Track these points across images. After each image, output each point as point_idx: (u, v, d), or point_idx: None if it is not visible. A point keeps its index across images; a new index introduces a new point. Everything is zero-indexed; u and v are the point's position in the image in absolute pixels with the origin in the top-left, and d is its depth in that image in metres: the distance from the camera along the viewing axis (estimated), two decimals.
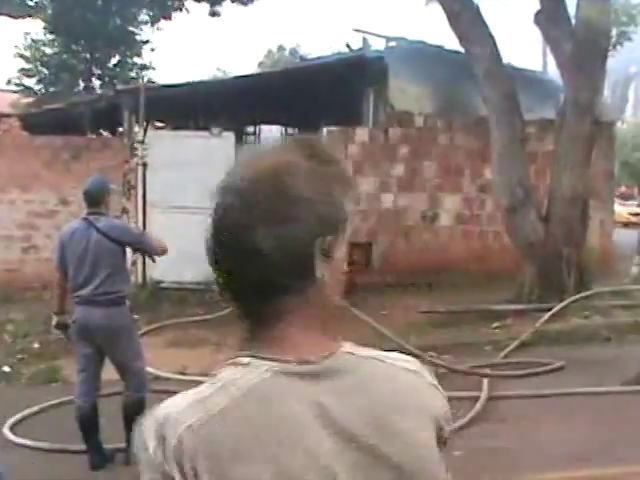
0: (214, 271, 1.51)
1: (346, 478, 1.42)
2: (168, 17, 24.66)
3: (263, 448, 1.39)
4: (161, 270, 14.32)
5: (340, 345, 1.50)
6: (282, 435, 1.40)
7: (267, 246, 1.43)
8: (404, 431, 1.48)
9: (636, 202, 44.79)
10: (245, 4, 23.89)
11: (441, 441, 1.57)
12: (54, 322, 7.01)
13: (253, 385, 1.42)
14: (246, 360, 1.45)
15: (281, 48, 44.00)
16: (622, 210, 41.78)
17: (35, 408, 8.26)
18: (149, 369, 8.71)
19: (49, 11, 22.55)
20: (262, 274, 1.45)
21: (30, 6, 22.61)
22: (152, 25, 24.60)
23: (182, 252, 13.71)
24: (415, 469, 1.49)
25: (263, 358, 1.44)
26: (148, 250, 7.06)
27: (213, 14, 23.92)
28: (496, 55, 12.71)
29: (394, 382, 1.53)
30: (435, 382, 1.60)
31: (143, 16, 24.64)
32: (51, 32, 23.36)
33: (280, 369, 1.43)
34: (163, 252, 7.05)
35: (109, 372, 6.97)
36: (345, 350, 1.50)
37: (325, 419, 1.43)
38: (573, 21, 12.56)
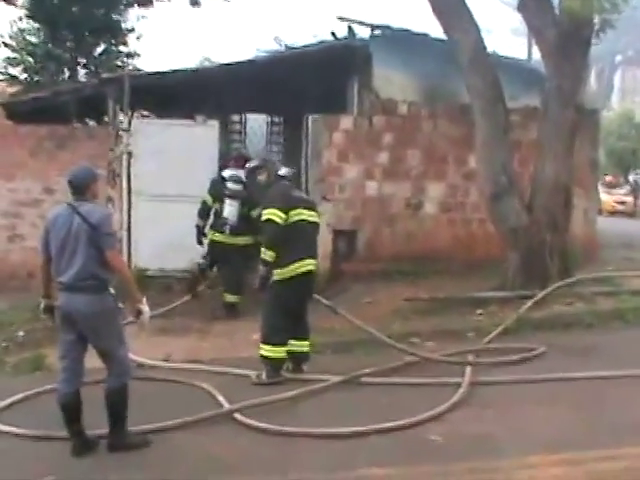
0: None
1: None
2: (146, 3, 24.44)
3: None
4: (146, 258, 14.35)
5: None
6: None
7: None
8: None
9: (622, 191, 44.86)
10: None
11: None
12: (42, 306, 7.04)
13: None
14: None
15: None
16: (608, 199, 41.95)
17: (20, 396, 8.27)
18: (133, 357, 8.76)
19: None
20: None
21: None
22: (125, 8, 24.33)
23: (167, 240, 13.83)
24: None
25: None
26: (108, 255, 6.70)
27: (194, 3, 23.74)
28: (480, 43, 12.72)
29: None
30: None
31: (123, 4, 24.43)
32: (29, 17, 23.14)
33: None
34: (121, 271, 6.88)
35: (94, 360, 7.00)
36: None
37: None
38: (557, 9, 12.60)
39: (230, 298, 12.44)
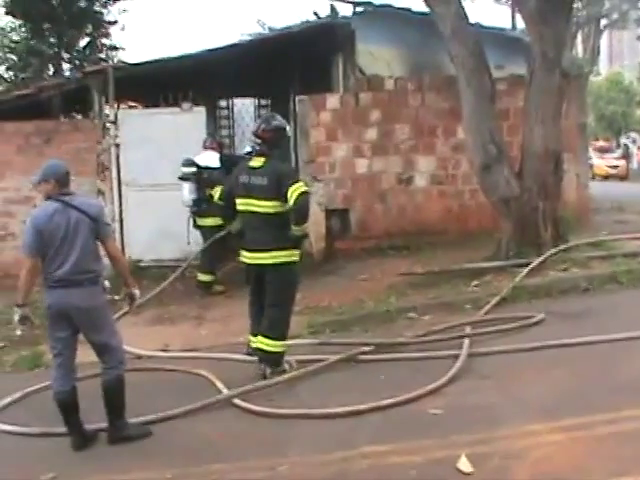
0: None
1: None
2: None
3: None
4: (140, 249, 14.36)
5: None
6: None
7: None
8: None
9: (614, 155, 44.91)
10: None
11: None
12: (18, 316, 6.80)
13: None
14: None
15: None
16: (601, 163, 42.03)
17: (17, 394, 8.24)
18: (130, 349, 8.74)
19: None
20: None
21: None
22: (106, 0, 24.38)
23: (160, 230, 13.84)
24: None
25: None
26: (108, 245, 6.90)
27: None
28: (461, 13, 12.63)
29: None
30: None
31: None
32: (8, 14, 23.08)
33: None
34: (120, 259, 7.16)
35: (88, 353, 6.97)
36: None
37: None
38: None
39: (202, 277, 12.71)
